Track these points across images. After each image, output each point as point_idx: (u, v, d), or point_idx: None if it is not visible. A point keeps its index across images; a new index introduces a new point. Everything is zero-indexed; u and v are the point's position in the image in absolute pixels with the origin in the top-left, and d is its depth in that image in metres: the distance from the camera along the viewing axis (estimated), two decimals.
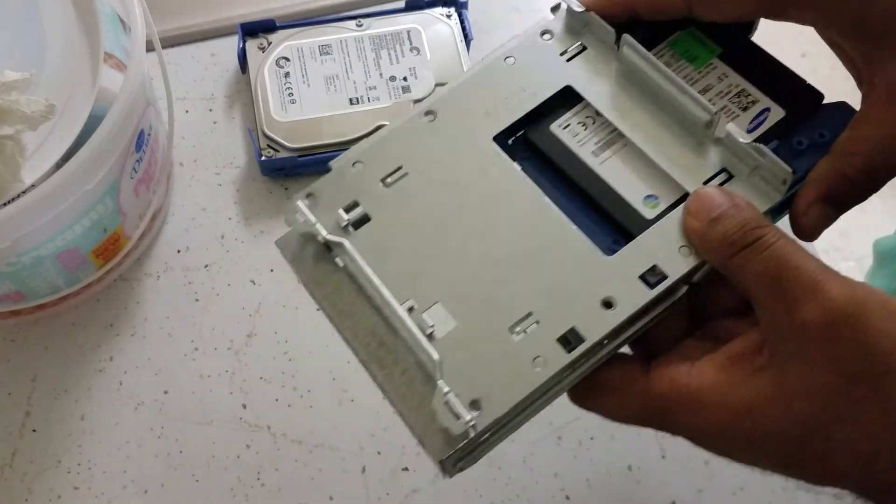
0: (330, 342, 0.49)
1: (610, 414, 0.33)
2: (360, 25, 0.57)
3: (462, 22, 0.57)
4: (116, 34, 0.47)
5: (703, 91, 0.36)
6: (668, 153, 0.34)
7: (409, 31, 0.57)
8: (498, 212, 0.34)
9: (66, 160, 0.40)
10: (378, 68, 0.55)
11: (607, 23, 0.36)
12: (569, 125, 0.36)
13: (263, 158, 0.52)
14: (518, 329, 0.32)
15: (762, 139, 0.34)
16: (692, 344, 0.33)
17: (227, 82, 0.58)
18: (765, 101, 0.35)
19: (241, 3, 0.60)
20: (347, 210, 0.34)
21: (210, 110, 0.57)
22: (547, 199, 0.34)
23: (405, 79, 0.55)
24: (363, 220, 0.34)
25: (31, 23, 0.44)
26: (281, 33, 0.56)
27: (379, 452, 0.46)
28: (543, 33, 0.37)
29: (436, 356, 0.31)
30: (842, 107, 0.35)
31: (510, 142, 0.36)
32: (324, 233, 0.34)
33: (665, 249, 0.32)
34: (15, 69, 0.40)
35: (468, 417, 0.30)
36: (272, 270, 0.51)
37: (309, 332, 0.49)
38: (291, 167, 0.53)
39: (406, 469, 0.46)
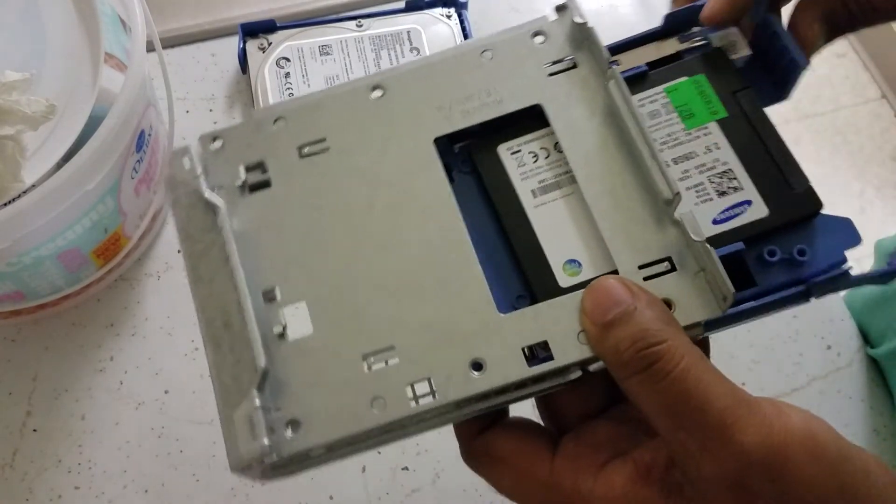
0: None
1: (503, 491, 0.29)
2: (361, 26, 0.57)
3: (462, 22, 0.57)
4: (117, 34, 0.47)
5: (683, 158, 0.31)
6: (616, 218, 0.29)
7: (409, 32, 0.57)
8: (407, 223, 0.30)
9: (66, 160, 0.40)
10: (378, 68, 0.55)
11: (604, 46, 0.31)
12: (519, 151, 0.32)
13: None
14: (373, 359, 0.28)
15: (730, 235, 0.30)
16: (605, 427, 0.29)
17: (228, 82, 0.58)
18: (749, 192, 0.30)
19: (241, 4, 0.60)
20: (249, 168, 0.31)
21: (210, 110, 0.57)
22: (463, 228, 0.29)
23: None
24: (263, 184, 0.30)
25: (31, 23, 0.44)
26: (281, 34, 0.56)
27: (379, 452, 0.46)
28: (536, 34, 0.32)
29: (262, 364, 0.27)
30: (843, 224, 0.30)
31: (456, 148, 0.33)
32: (203, 188, 0.30)
33: (563, 328, 0.28)
34: (16, 69, 0.40)
35: (266, 443, 0.26)
36: None
37: None
38: None
39: (406, 468, 0.46)
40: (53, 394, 0.48)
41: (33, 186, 0.40)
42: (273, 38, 0.56)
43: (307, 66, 0.55)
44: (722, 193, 0.30)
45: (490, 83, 0.31)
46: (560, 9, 0.32)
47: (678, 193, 0.28)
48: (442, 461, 0.46)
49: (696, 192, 0.30)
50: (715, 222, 0.30)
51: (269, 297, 0.29)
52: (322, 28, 0.57)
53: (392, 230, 0.29)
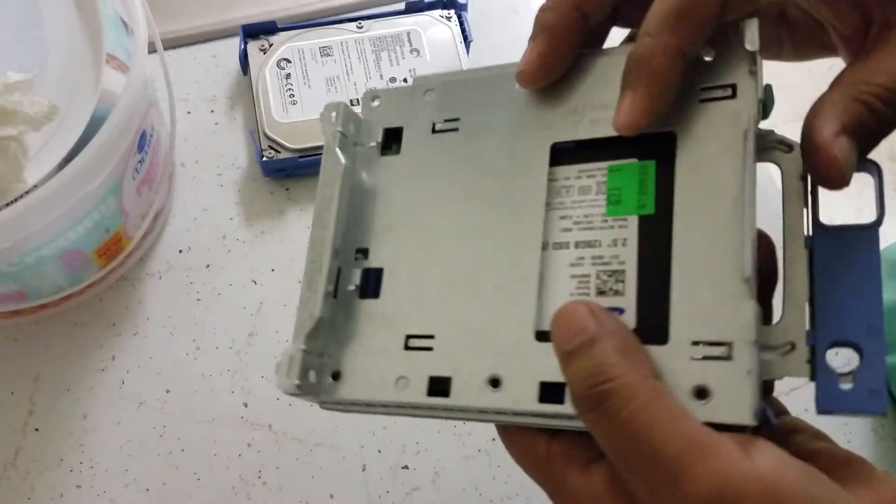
0: None
1: (516, 460, 0.30)
2: (361, 27, 0.57)
3: (462, 24, 0.58)
4: (119, 36, 0.47)
5: (585, 245, 0.29)
6: (696, 278, 0.26)
7: (409, 33, 0.57)
8: (495, 220, 0.30)
9: (68, 161, 0.40)
10: (378, 70, 0.55)
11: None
12: (570, 179, 0.30)
13: (265, 159, 0.52)
14: (413, 342, 0.29)
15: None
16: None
17: (229, 84, 0.58)
18: (629, 300, 0.28)
19: (242, 5, 0.61)
20: (389, 132, 0.32)
21: (212, 111, 0.57)
22: (539, 243, 0.29)
23: (405, 80, 0.55)
24: (394, 150, 0.32)
25: (33, 24, 0.45)
26: (282, 35, 0.56)
27: (379, 451, 0.46)
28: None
29: (317, 313, 0.29)
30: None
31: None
32: (334, 143, 0.31)
33: None
34: (18, 71, 0.40)
35: (297, 382, 0.28)
36: (273, 270, 0.52)
37: None
38: (292, 168, 0.53)
39: (406, 467, 0.46)
40: (55, 393, 0.48)
41: (35, 187, 0.40)
42: (274, 39, 0.56)
43: (308, 67, 0.55)
44: (601, 293, 0.28)
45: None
46: (731, 26, 0.28)
47: (586, 277, 0.28)
48: (442, 460, 0.46)
49: (579, 282, 0.29)
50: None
51: (360, 255, 0.31)
52: (323, 30, 0.57)
53: (480, 223, 0.30)
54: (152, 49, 0.46)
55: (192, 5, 0.61)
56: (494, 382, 0.28)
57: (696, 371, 0.25)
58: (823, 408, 0.25)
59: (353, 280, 0.31)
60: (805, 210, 0.28)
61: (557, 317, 0.26)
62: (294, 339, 0.30)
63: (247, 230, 0.53)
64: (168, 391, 0.48)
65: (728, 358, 0.25)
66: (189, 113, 0.57)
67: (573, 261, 0.29)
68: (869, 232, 0.27)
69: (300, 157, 0.52)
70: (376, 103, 0.33)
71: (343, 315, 0.30)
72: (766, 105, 0.28)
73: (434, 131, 0.32)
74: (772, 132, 0.28)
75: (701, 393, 0.25)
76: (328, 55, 0.56)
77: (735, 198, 0.26)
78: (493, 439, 0.47)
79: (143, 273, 0.51)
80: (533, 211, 0.29)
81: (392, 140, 0.33)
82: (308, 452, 0.46)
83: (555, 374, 0.27)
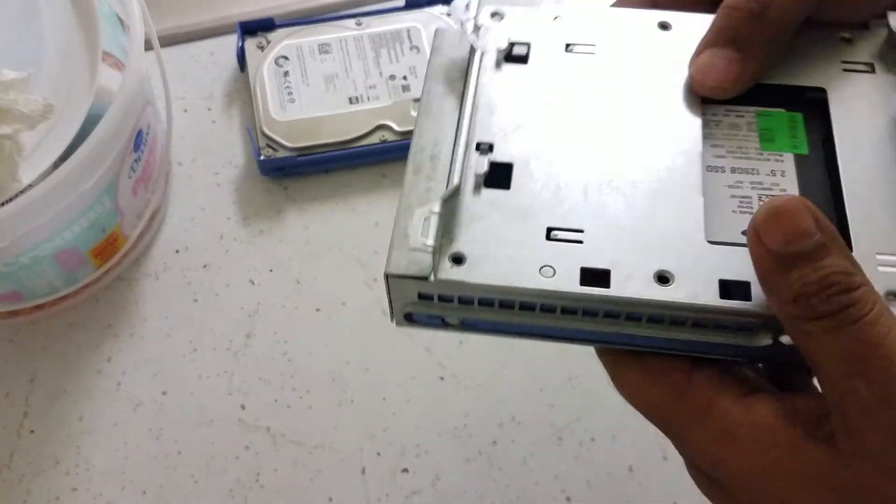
0: (329, 342, 0.49)
1: (629, 389, 0.28)
2: (360, 24, 0.57)
3: None
4: (115, 33, 0.47)
5: (743, 171, 0.30)
6: (867, 203, 0.29)
7: (408, 30, 0.56)
8: (647, 135, 0.30)
9: (63, 160, 0.40)
10: (378, 67, 0.55)
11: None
12: (727, 117, 0.31)
13: (262, 158, 0.52)
14: (557, 234, 0.28)
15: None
16: (746, 370, 0.28)
17: (226, 81, 0.58)
18: None
19: (240, 2, 0.60)
20: (514, 43, 0.33)
21: (209, 109, 0.57)
22: (700, 159, 0.30)
23: (405, 77, 0.55)
24: (520, 59, 0.32)
25: (29, 22, 0.44)
26: (280, 32, 0.56)
27: (378, 454, 0.46)
28: (843, 39, 0.33)
29: (457, 181, 0.28)
30: None
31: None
32: (470, 28, 0.32)
33: None
34: (13, 68, 0.40)
35: (432, 242, 0.26)
36: (271, 270, 0.51)
37: (308, 333, 0.49)
38: (291, 167, 0.53)
39: (406, 470, 0.46)
40: (51, 395, 0.47)
41: (30, 186, 0.40)
42: (272, 36, 0.56)
43: (306, 64, 0.55)
44: None
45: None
46: (878, 17, 0.32)
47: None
48: (442, 463, 0.46)
49: (740, 202, 0.29)
50: (743, 233, 0.29)
51: (482, 148, 0.30)
52: (321, 26, 0.56)
53: (628, 134, 0.30)
54: (149, 46, 0.46)
55: (189, 2, 0.60)
56: (663, 279, 0.27)
57: (885, 280, 0.26)
58: None
59: (478, 168, 0.29)
60: None
61: (772, 213, 0.24)
62: (409, 215, 0.28)
63: (244, 230, 0.52)
64: (165, 393, 0.48)
65: None
66: (186, 111, 0.56)
67: (731, 183, 0.30)
68: None
69: (298, 155, 0.52)
70: (498, 18, 0.33)
71: (465, 202, 0.29)
72: None
73: (567, 50, 0.33)
74: None
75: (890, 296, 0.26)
76: (327, 52, 0.55)
77: (892, 157, 0.29)
78: (494, 442, 0.46)
79: (139, 273, 0.51)
80: (689, 127, 0.30)
81: (516, 53, 0.33)
82: (306, 455, 0.46)
83: (735, 273, 0.27)
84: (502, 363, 0.48)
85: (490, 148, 0.30)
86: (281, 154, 0.52)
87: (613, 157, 0.30)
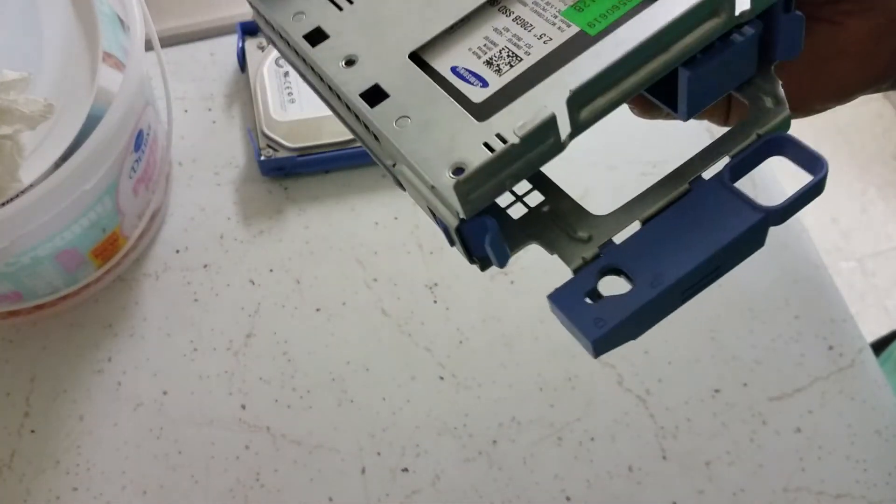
0: (329, 342, 0.49)
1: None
2: None
3: None
4: (115, 34, 0.47)
5: (520, 21, 0.29)
6: None
7: None
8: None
9: (64, 160, 0.40)
10: None
11: None
12: None
13: (263, 158, 0.52)
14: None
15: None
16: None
17: (227, 82, 0.58)
18: (498, 84, 0.29)
19: (240, 2, 0.60)
20: None
21: (209, 110, 0.57)
22: None
23: None
24: None
25: (29, 22, 0.44)
26: None
27: (378, 453, 0.46)
28: None
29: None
30: None
31: None
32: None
33: None
34: (14, 69, 0.40)
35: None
36: (271, 271, 0.51)
37: (308, 333, 0.49)
38: (291, 167, 0.53)
39: (406, 470, 0.46)
40: (51, 395, 0.47)
41: (31, 186, 0.40)
42: None
43: None
44: (488, 63, 0.29)
45: None
46: None
47: None
48: (442, 462, 0.46)
49: (484, 43, 0.29)
50: (453, 69, 0.29)
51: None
52: None
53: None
54: (149, 47, 0.46)
55: (190, 2, 0.60)
56: (350, 62, 0.29)
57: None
58: (554, 299, 0.26)
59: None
60: (728, 158, 0.27)
61: None
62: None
63: (245, 230, 0.53)
64: (165, 393, 0.48)
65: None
66: (186, 111, 0.56)
67: (500, 27, 0.29)
68: (743, 217, 0.26)
69: (299, 156, 0.52)
70: None
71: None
72: None
73: None
74: None
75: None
76: None
77: None
78: (494, 442, 0.46)
79: (139, 273, 0.51)
80: None
81: None
82: (307, 455, 0.46)
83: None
84: (502, 363, 0.48)
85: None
86: (281, 154, 0.52)
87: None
